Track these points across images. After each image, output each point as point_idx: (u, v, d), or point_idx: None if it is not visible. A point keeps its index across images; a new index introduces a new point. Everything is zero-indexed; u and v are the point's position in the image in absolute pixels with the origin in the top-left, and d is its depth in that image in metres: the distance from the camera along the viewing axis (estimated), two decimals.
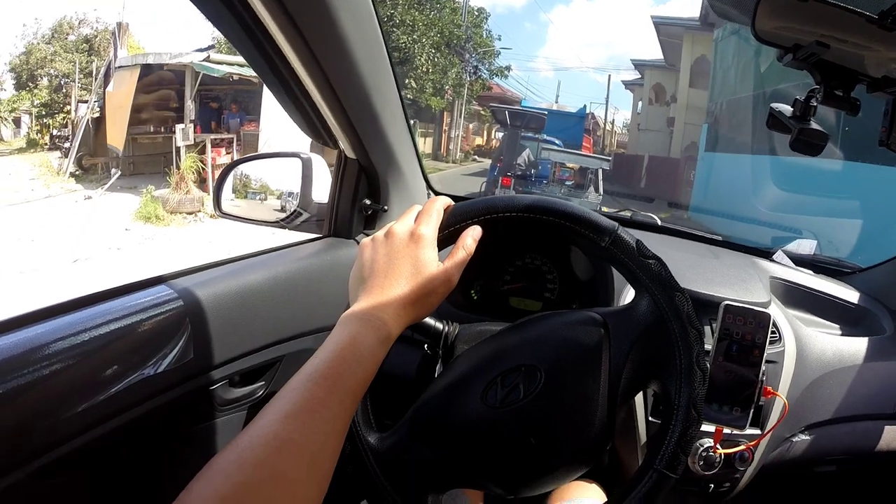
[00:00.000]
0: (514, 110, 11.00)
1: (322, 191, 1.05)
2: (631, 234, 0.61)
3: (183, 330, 0.74)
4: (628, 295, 0.94)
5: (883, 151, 0.71)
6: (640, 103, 21.87)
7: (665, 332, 0.60)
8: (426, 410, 0.62)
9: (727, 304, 0.81)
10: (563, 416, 0.60)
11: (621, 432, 0.87)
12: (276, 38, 0.71)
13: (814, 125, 0.71)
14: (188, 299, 0.76)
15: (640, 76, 21.82)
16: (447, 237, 0.62)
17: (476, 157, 23.41)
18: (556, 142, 10.66)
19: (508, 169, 8.71)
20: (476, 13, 19.40)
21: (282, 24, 0.68)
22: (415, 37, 15.77)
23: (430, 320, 0.73)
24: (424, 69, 16.40)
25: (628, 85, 24.26)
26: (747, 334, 0.82)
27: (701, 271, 1.00)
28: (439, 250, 0.61)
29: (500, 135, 13.09)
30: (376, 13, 0.82)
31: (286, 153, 1.08)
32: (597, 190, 8.20)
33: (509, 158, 9.18)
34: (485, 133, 26.13)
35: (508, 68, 20.60)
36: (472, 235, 0.61)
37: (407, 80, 16.16)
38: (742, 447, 0.89)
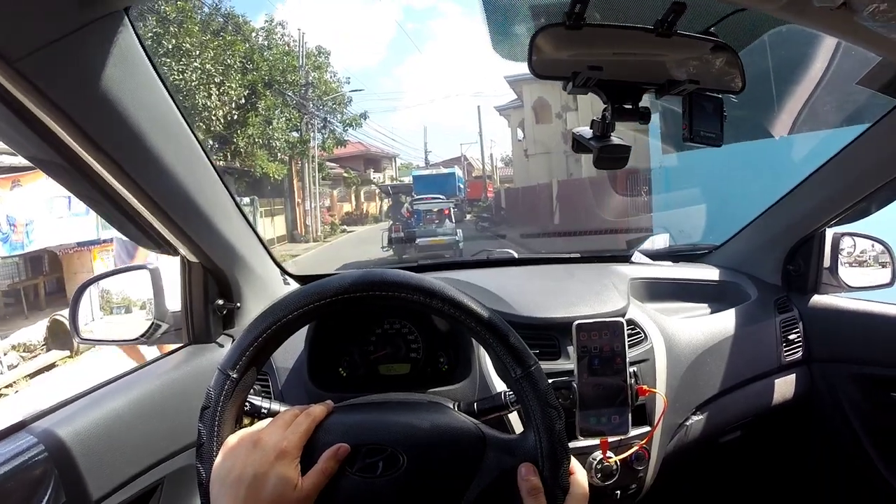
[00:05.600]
0: (395, 185, 19.22)
1: (177, 298, 1.01)
2: (544, 375, 0.62)
3: (49, 474, 0.71)
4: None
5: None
6: (518, 130, 19.97)
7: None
8: None
9: (579, 324, 0.84)
10: None
11: None
12: (88, 163, 0.70)
13: (614, 140, 0.76)
14: (49, 441, 0.73)
15: (515, 97, 19.52)
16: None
17: (346, 227, 20.45)
18: (436, 196, 14.47)
19: (398, 220, 13.55)
20: (315, 53, 15.90)
21: (90, 149, 0.68)
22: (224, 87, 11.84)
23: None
24: (255, 129, 12.93)
25: (503, 111, 21.44)
26: (605, 346, 0.85)
27: (556, 296, 1.04)
28: None
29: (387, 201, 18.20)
30: (183, 117, 0.82)
31: (133, 266, 1.05)
32: (451, 221, 12.55)
33: (396, 216, 14.21)
34: (352, 198, 23.88)
35: (364, 116, 17.29)
36: (332, 456, 0.61)
37: (232, 144, 12.80)
38: (636, 448, 0.92)
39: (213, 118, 11.81)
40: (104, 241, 6.71)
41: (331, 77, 16.71)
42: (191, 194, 0.84)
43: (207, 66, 11.38)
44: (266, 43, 14.48)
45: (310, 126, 16.02)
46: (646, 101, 0.75)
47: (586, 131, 0.78)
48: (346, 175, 22.15)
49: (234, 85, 12.07)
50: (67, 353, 5.73)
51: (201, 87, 11.42)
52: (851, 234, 1.33)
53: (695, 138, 0.76)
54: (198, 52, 11.25)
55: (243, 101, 12.58)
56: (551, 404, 0.60)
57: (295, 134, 15.42)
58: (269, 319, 0.63)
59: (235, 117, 12.57)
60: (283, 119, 14.47)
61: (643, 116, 0.74)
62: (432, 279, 0.63)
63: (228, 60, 11.99)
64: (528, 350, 0.62)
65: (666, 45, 0.71)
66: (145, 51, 0.70)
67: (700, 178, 6.20)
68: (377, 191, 24.40)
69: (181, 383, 0.93)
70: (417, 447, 0.61)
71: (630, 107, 0.73)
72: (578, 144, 0.79)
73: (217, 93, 11.77)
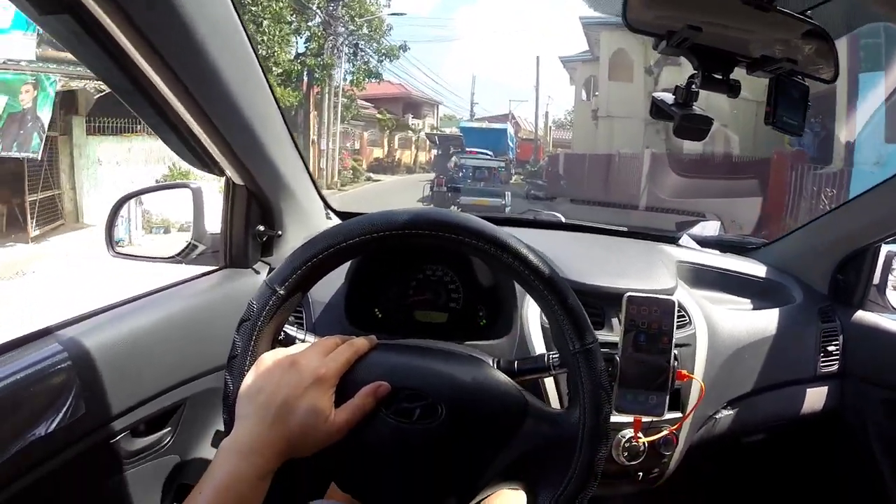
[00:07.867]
0: (442, 135, 19.18)
1: (217, 221, 1.00)
2: (601, 354, 0.60)
3: (70, 384, 0.70)
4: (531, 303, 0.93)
5: None
6: (583, 91, 16.53)
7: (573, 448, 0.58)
8: None
9: (630, 296, 0.81)
10: (441, 461, 0.59)
11: None
12: (144, 70, 0.67)
13: (696, 110, 0.72)
14: (74, 351, 0.72)
15: (585, 49, 15.90)
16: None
17: (371, 174, 17.85)
18: (483, 152, 14.18)
19: (442, 173, 13.18)
20: None
21: (148, 56, 0.65)
22: None
23: None
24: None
25: (568, 63, 17.42)
26: (653, 323, 0.82)
27: (605, 265, 1.00)
28: None
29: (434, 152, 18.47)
30: (247, 34, 0.79)
31: (174, 184, 1.04)
32: (500, 182, 12.70)
33: (441, 168, 13.95)
34: (385, 143, 21.19)
35: (403, 47, 14.57)
36: (371, 393, 0.59)
37: None
38: (665, 432, 0.90)
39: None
40: None
41: None
42: (244, 113, 0.81)
43: None
44: None
45: (336, 51, 13.20)
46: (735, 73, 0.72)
47: (668, 96, 0.74)
48: (380, 117, 19.31)
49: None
50: None
51: None
52: None
53: (777, 123, 0.72)
54: None
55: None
56: (603, 386, 0.58)
57: (317, 59, 12.86)
58: (328, 241, 0.60)
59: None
60: (287, 26, 11.13)
61: (732, 89, 0.70)
62: (505, 231, 0.60)
63: None
64: (590, 326, 0.60)
65: (762, 20, 0.67)
66: None
67: None
68: (415, 138, 22.43)
69: (212, 306, 0.92)
70: (458, 401, 0.59)
71: (720, 77, 0.69)
72: (658, 109, 0.75)
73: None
